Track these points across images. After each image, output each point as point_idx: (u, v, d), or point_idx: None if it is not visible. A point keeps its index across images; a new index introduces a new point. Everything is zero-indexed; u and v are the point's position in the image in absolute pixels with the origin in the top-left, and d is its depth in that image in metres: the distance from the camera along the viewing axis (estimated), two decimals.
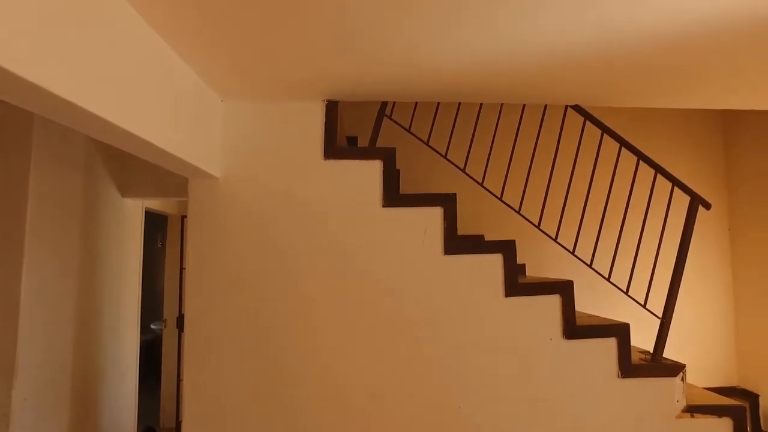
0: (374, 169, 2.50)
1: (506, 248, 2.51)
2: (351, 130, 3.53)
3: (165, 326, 4.80)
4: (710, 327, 3.81)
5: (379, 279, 2.45)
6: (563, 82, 2.43)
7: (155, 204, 4.14)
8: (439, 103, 2.88)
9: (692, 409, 2.47)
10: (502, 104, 2.92)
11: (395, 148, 2.53)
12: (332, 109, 2.52)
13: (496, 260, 2.49)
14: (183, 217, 4.42)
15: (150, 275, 4.77)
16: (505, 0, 1.61)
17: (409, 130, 2.88)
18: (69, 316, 3.05)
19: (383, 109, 2.75)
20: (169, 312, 4.80)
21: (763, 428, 3.42)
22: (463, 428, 2.41)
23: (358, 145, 3.29)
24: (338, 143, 2.56)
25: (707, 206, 2.67)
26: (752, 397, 3.50)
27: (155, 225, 4.96)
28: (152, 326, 6.03)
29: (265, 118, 2.52)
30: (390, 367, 2.43)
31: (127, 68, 1.61)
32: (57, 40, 1.26)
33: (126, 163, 3.62)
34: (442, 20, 1.75)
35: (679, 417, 2.44)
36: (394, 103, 2.84)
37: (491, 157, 2.91)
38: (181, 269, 4.52)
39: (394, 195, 2.50)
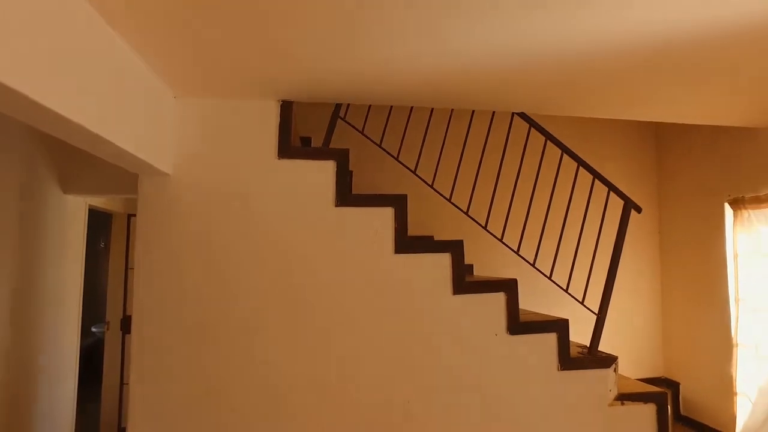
0: (328, 169, 2.53)
1: (454, 248, 2.60)
2: (304, 130, 3.56)
3: (108, 329, 4.64)
4: (641, 323, 4.08)
5: (330, 277, 2.48)
6: (509, 91, 2.56)
7: (99, 201, 4.00)
8: (392, 107, 2.96)
9: (623, 397, 2.65)
10: (452, 110, 3.02)
11: (348, 150, 2.58)
12: (287, 109, 2.54)
13: (444, 259, 2.58)
14: (130, 216, 4.29)
15: (92, 276, 4.59)
16: (455, 14, 1.70)
17: (362, 132, 2.94)
18: (1, 320, 2.91)
19: (337, 111, 2.80)
20: (113, 314, 4.63)
21: (682, 412, 3.71)
22: (412, 421, 2.48)
23: (312, 146, 3.32)
24: (292, 143, 2.58)
25: (638, 210, 2.87)
26: (674, 386, 3.79)
27: (99, 223, 4.79)
28: (93, 329, 5.80)
29: (219, 115, 2.50)
30: (339, 364, 2.45)
31: (75, 55, 1.56)
32: None
33: (69, 158, 3.48)
34: (395, 30, 1.82)
35: (611, 404, 2.61)
36: (348, 105, 2.89)
37: (441, 160, 3.02)
38: (127, 270, 4.38)
39: (346, 195, 2.54)
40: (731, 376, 3.29)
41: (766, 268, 3.17)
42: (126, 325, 4.33)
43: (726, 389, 3.33)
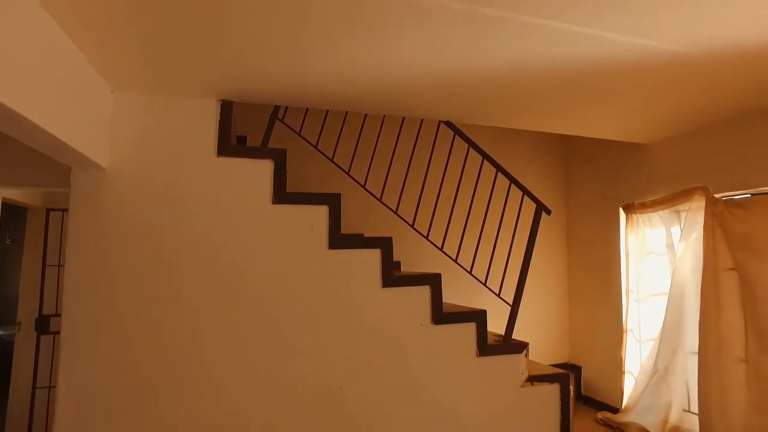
0: (265, 168, 2.63)
1: (384, 244, 2.78)
2: (239, 129, 3.61)
3: (19, 330, 4.37)
4: (550, 314, 4.51)
5: (268, 272, 2.58)
6: (436, 101, 2.80)
7: (15, 194, 3.79)
8: (328, 111, 3.11)
9: (532, 379, 2.96)
10: (384, 115, 3.22)
11: (286, 150, 2.69)
12: (227, 108, 2.61)
13: (375, 255, 2.75)
14: (49, 210, 4.09)
15: None
16: (387, 28, 1.89)
17: (299, 134, 3.06)
18: None
19: (276, 112, 2.90)
20: (25, 314, 4.37)
21: (583, 393, 4.17)
22: (344, 406, 2.63)
23: (247, 145, 3.38)
24: (231, 142, 2.65)
25: (548, 212, 3.22)
26: (577, 369, 4.24)
27: (8, 218, 4.50)
28: None
29: (159, 112, 2.53)
30: (278, 354, 2.55)
31: (9, 40, 1.53)
32: None
33: None
34: (334, 41, 1.98)
35: (522, 386, 2.92)
36: (287, 107, 3.01)
37: (373, 162, 3.20)
38: (44, 267, 4.17)
39: (283, 193, 2.65)
40: (621, 358, 3.76)
41: (649, 264, 3.66)
42: (42, 325, 4.12)
43: (617, 370, 3.80)
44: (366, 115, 3.21)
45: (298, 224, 2.65)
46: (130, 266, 2.43)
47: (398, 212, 3.13)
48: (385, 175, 3.16)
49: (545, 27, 1.86)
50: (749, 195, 3.06)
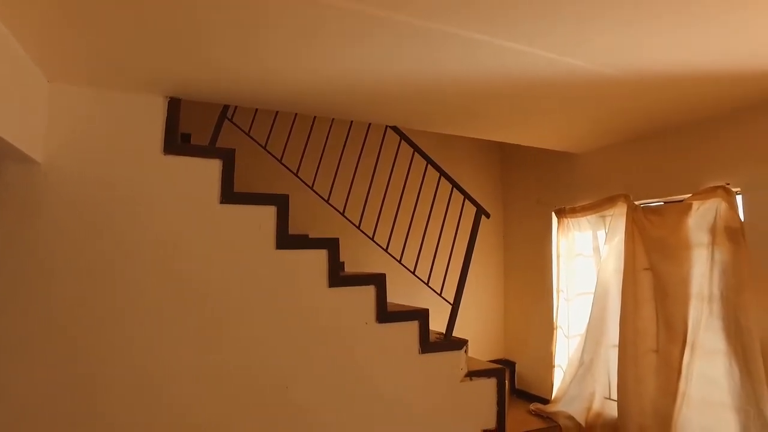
0: (213, 167, 2.61)
1: (331, 245, 2.84)
2: (183, 127, 3.53)
3: None
4: (487, 313, 4.72)
5: (213, 271, 2.56)
6: (384, 107, 2.89)
7: None
8: (277, 112, 3.13)
9: (471, 374, 3.12)
10: (333, 119, 3.28)
11: (235, 150, 2.69)
12: (175, 106, 2.57)
13: (322, 255, 2.80)
14: None
15: None
16: (342, 36, 1.96)
17: (248, 134, 3.06)
18: None
19: (225, 112, 2.89)
20: None
21: (517, 386, 4.43)
22: (290, 405, 2.66)
23: (191, 143, 3.33)
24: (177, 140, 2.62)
25: (487, 216, 3.40)
26: (511, 365, 4.48)
27: None
28: None
29: (101, 106, 2.45)
30: (220, 354, 2.54)
31: None
32: None
33: None
34: (289, 45, 2.03)
35: (462, 380, 3.07)
36: (236, 107, 3.00)
37: (321, 164, 3.25)
38: None
39: (231, 193, 2.64)
40: (551, 353, 4.02)
41: (577, 265, 3.94)
42: None
43: (547, 364, 4.05)
44: (315, 117, 3.26)
45: (246, 224, 2.66)
46: (67, 266, 2.34)
47: (345, 214, 3.20)
48: (332, 177, 3.22)
49: (488, 43, 2.00)
50: (663, 203, 3.38)
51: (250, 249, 2.65)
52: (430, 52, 2.10)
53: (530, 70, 2.29)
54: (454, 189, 3.37)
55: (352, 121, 3.31)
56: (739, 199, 2.90)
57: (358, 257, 3.54)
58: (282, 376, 2.66)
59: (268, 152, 3.12)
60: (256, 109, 3.09)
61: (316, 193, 3.18)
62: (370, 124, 3.36)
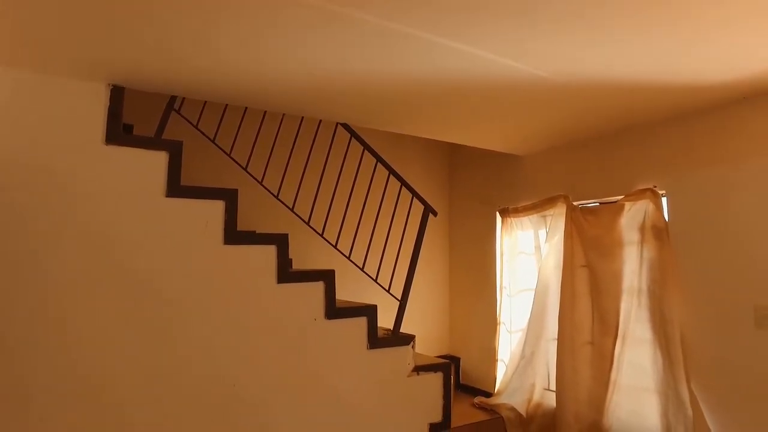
0: (159, 159, 2.54)
1: (280, 240, 2.82)
2: (125, 117, 3.41)
3: None
4: (434, 309, 4.82)
5: (158, 267, 2.50)
6: (335, 104, 2.91)
7: None
8: (227, 105, 3.08)
9: (418, 369, 3.18)
10: (284, 114, 3.27)
11: (182, 142, 2.63)
12: (118, 94, 2.48)
13: (270, 251, 2.79)
14: None
15: None
16: (294, 31, 1.97)
17: (196, 127, 2.99)
18: None
19: (172, 103, 2.82)
20: None
21: (461, 382, 4.56)
22: (238, 402, 2.63)
23: (134, 134, 3.22)
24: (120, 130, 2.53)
25: (435, 214, 3.48)
26: (456, 360, 4.61)
27: None
28: None
29: (36, 91, 2.32)
30: (165, 353, 2.48)
31: None
32: None
33: None
34: (241, 36, 2.01)
35: (409, 375, 3.13)
36: (183, 98, 2.93)
37: (271, 159, 3.23)
38: None
39: (178, 186, 2.58)
40: (495, 348, 4.16)
41: (520, 263, 4.11)
42: None
43: (491, 359, 4.19)
44: (266, 112, 3.23)
45: (193, 219, 2.61)
46: None
47: (294, 210, 3.19)
48: (282, 173, 3.21)
49: (437, 44, 2.06)
50: (599, 204, 3.59)
51: (196, 244, 2.60)
52: (380, 51, 2.14)
53: (477, 73, 2.38)
54: (403, 187, 3.44)
55: (303, 117, 3.31)
56: (664, 200, 3.14)
57: (307, 254, 3.53)
58: (229, 373, 2.62)
59: (217, 146, 3.07)
60: (205, 102, 3.03)
61: (266, 189, 3.16)
62: (320, 120, 3.37)
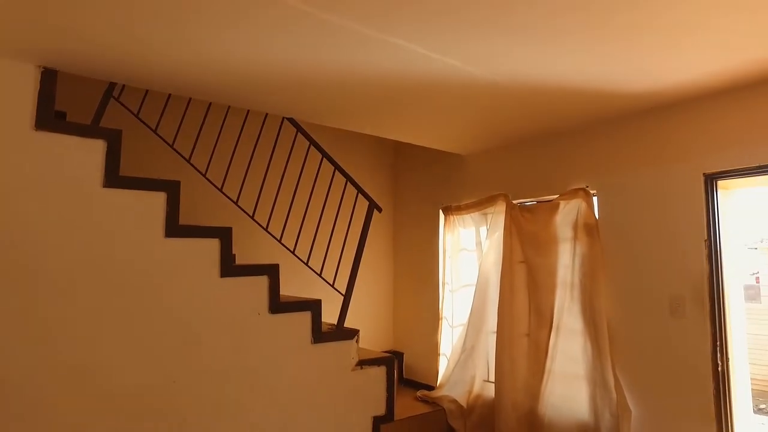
0: (96, 148, 2.45)
1: (223, 234, 2.78)
2: (62, 104, 3.25)
3: None
4: (378, 305, 4.88)
5: (95, 259, 2.40)
6: (281, 97, 2.91)
7: None
8: (170, 95, 2.99)
9: (362, 363, 3.22)
10: (228, 106, 3.22)
11: (121, 131, 2.54)
12: (50, 77, 2.37)
13: (213, 244, 2.74)
14: None
15: None
16: (237, 20, 1.96)
17: (137, 116, 2.90)
18: None
19: (111, 90, 2.72)
20: None
21: (405, 376, 4.65)
22: (179, 399, 2.57)
23: (67, 121, 3.07)
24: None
25: (379, 210, 3.53)
26: (400, 356, 4.69)
27: None
28: None
29: None
30: (101, 348, 2.39)
31: None
32: None
33: None
34: (182, 22, 1.98)
35: (353, 369, 3.16)
36: (123, 85, 2.83)
37: (215, 152, 3.17)
38: None
39: (116, 177, 2.49)
40: (437, 342, 4.27)
41: (462, 259, 4.24)
42: None
43: (433, 353, 4.30)
44: (211, 104, 3.17)
45: (133, 210, 2.53)
46: None
47: (239, 203, 3.15)
48: (227, 166, 3.16)
49: (382, 41, 2.12)
50: (536, 202, 3.77)
51: (136, 236, 2.52)
52: (325, 45, 2.17)
53: (416, 70, 2.45)
54: (348, 183, 3.47)
55: (248, 111, 3.28)
56: (595, 199, 3.35)
57: (252, 248, 3.49)
58: (171, 369, 2.56)
59: (159, 136, 2.98)
60: (147, 91, 2.94)
61: (209, 181, 3.10)
62: (267, 114, 3.34)
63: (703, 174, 2.82)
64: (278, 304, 2.93)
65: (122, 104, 2.88)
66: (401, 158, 5.12)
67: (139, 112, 2.92)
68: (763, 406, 7.45)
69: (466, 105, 3.02)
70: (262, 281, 2.90)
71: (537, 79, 2.56)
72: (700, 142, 2.85)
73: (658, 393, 2.91)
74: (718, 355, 2.72)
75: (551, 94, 2.78)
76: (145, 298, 2.52)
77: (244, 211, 3.17)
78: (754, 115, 2.65)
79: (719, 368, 2.71)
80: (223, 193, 3.12)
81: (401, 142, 4.40)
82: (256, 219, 3.20)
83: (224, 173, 3.15)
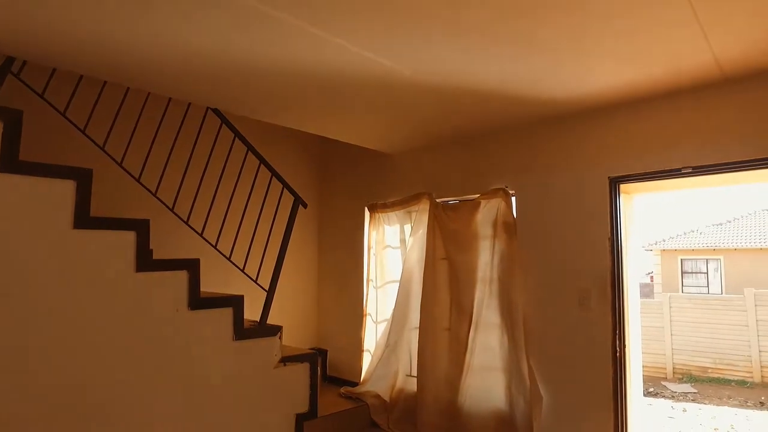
0: None
1: (139, 226, 2.63)
2: None
3: None
4: (302, 302, 4.83)
5: None
6: (203, 85, 2.82)
7: None
8: (82, 76, 2.78)
9: (285, 360, 3.18)
10: (149, 93, 3.05)
11: (22, 112, 2.33)
12: None
13: (128, 237, 2.59)
14: None
15: None
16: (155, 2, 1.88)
17: (42, 96, 2.66)
18: None
19: (9, 65, 2.48)
20: None
21: (328, 373, 4.64)
22: (93, 399, 2.42)
23: None
24: None
25: (305, 205, 3.51)
26: (323, 353, 4.67)
27: None
28: None
29: None
30: (7, 347, 2.20)
31: None
32: None
33: None
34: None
35: (276, 366, 3.12)
36: (25, 62, 2.59)
37: (133, 140, 2.99)
38: None
39: (16, 162, 2.28)
40: (361, 339, 4.31)
41: (386, 256, 4.31)
42: None
43: (357, 349, 4.33)
44: (129, 89, 2.98)
45: (37, 199, 2.33)
46: None
47: (158, 195, 3.00)
48: (145, 156, 2.99)
49: (314, 35, 2.12)
50: (459, 201, 3.91)
51: (41, 228, 2.33)
52: (256, 35, 2.14)
53: (351, 68, 2.49)
54: (274, 178, 3.42)
55: (170, 99, 3.12)
56: (514, 199, 3.53)
57: (171, 242, 3.33)
58: (80, 368, 2.39)
59: (69, 120, 2.76)
60: (54, 69, 2.71)
61: (126, 171, 2.92)
62: (190, 103, 3.21)
63: (608, 177, 3.07)
64: (198, 300, 2.83)
65: (23, 82, 2.62)
66: (328, 155, 5.10)
67: (44, 92, 2.68)
68: (651, 389, 8.27)
69: (393, 104, 3.08)
70: (181, 276, 2.79)
71: (461, 80, 2.67)
72: (607, 148, 3.10)
73: (566, 379, 3.13)
74: (617, 343, 2.98)
75: (474, 96, 2.91)
76: (50, 292, 2.33)
77: (164, 204, 3.02)
78: (651, 126, 2.94)
79: (617, 355, 2.97)
80: (141, 184, 2.95)
81: (329, 139, 4.39)
82: (177, 212, 3.06)
83: (142, 163, 2.97)
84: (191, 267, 2.82)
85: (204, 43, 2.22)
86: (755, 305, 9.08)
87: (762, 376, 8.83)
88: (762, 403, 7.64)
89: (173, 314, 2.74)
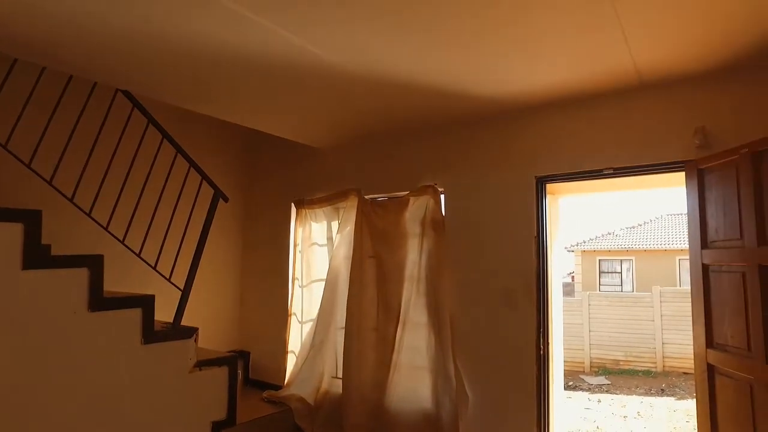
0: None
1: (29, 217, 2.35)
2: None
3: None
4: (223, 302, 4.56)
5: None
6: (114, 63, 2.55)
7: None
8: None
9: (201, 363, 2.96)
10: (44, 68, 2.72)
11: None
12: None
13: (15, 230, 2.30)
14: None
15: None
16: None
17: None
18: None
19: None
20: None
21: (251, 377, 4.41)
22: None
23: None
24: None
25: (226, 200, 3.30)
26: (246, 355, 4.43)
27: None
28: None
29: None
30: None
31: None
32: None
33: None
34: None
35: (191, 371, 2.89)
36: None
37: (23, 121, 2.65)
38: None
39: None
40: (285, 340, 4.12)
41: (313, 254, 4.15)
42: None
43: (282, 351, 4.14)
44: (16, 60, 2.63)
45: None
46: None
47: (53, 183, 2.68)
48: (38, 139, 2.66)
49: (242, 15, 1.95)
50: (387, 198, 3.84)
51: None
52: (175, 10, 1.94)
53: (279, 55, 2.34)
54: (192, 169, 3.18)
55: (71, 76, 2.81)
56: (443, 197, 3.51)
57: (71, 237, 3.00)
58: None
59: None
60: None
61: (13, 155, 2.58)
62: (96, 83, 2.90)
63: (536, 177, 3.11)
64: (101, 301, 2.57)
65: None
66: (255, 147, 4.87)
67: None
68: (571, 383, 8.71)
69: (323, 95, 2.96)
70: (81, 274, 2.52)
71: (387, 72, 2.58)
72: (535, 148, 3.14)
73: (492, 378, 3.14)
74: (541, 341, 3.02)
75: (404, 89, 2.84)
76: None
77: (61, 193, 2.70)
78: (577, 128, 3.00)
79: (541, 353, 3.01)
80: (31, 169, 2.61)
81: (256, 131, 4.17)
82: (77, 203, 2.75)
83: (35, 147, 2.64)
84: (92, 264, 2.56)
85: (116, 19, 1.99)
86: (660, 302, 9.81)
87: (663, 366, 9.55)
88: (663, 390, 8.28)
89: (70, 317, 2.46)
